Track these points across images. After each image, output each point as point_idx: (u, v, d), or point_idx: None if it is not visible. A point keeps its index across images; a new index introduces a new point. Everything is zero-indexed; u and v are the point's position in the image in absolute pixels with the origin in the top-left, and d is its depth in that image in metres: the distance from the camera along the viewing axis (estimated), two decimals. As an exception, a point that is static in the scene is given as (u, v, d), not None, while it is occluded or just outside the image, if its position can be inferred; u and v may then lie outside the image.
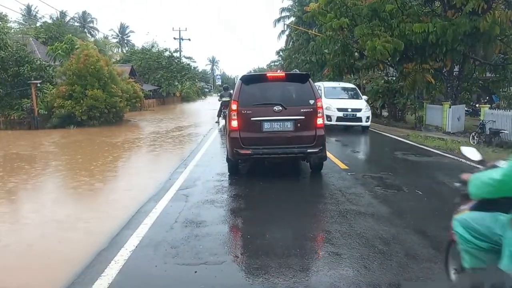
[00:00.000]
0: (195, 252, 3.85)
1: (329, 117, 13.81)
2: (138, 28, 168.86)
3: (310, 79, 7.01)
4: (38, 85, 19.37)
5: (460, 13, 13.36)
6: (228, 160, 7.21)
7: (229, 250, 3.97)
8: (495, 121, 12.32)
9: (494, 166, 2.33)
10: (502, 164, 2.19)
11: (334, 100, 14.56)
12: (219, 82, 76.51)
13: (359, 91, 16.42)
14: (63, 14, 46.14)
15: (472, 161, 2.88)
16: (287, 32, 41.61)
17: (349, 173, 7.42)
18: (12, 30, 31.35)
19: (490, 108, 15.05)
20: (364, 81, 22.92)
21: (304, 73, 7.85)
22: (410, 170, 8.26)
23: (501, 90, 19.35)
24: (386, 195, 5.96)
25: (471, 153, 2.90)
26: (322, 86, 15.81)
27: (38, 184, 7.85)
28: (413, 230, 4.41)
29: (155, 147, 12.41)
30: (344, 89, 16.32)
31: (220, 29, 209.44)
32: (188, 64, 48.36)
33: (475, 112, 19.38)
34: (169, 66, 42.63)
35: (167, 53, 43.80)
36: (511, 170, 1.93)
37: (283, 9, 42.65)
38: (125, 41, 72.71)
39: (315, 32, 25.69)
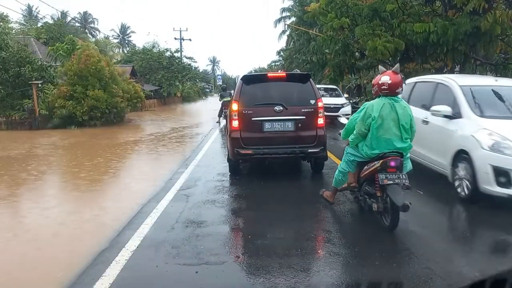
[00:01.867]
0: (196, 252, 3.86)
1: (503, 174, 4.77)
2: (139, 29, 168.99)
3: (311, 79, 7.03)
4: (39, 85, 19.38)
5: (461, 13, 13.32)
6: (229, 160, 7.22)
7: (230, 250, 3.98)
8: (496, 121, 12.26)
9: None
10: None
11: (507, 123, 5.29)
12: (220, 82, 76.49)
13: None
14: (64, 14, 46.34)
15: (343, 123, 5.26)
16: (287, 32, 41.55)
17: (350, 173, 7.41)
18: (13, 30, 31.36)
19: (491, 107, 15.00)
20: (365, 81, 22.94)
21: (305, 73, 7.85)
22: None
23: (502, 89, 19.30)
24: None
25: (343, 119, 5.88)
26: (458, 87, 6.10)
27: (41, 182, 7.87)
28: (414, 229, 4.41)
29: (156, 147, 12.41)
30: None
31: (221, 29, 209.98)
32: (189, 64, 48.36)
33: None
34: (170, 66, 42.63)
35: (168, 53, 43.82)
36: (349, 123, 4.85)
37: (283, 9, 42.58)
38: (126, 41, 72.83)
39: (315, 32, 25.65)
